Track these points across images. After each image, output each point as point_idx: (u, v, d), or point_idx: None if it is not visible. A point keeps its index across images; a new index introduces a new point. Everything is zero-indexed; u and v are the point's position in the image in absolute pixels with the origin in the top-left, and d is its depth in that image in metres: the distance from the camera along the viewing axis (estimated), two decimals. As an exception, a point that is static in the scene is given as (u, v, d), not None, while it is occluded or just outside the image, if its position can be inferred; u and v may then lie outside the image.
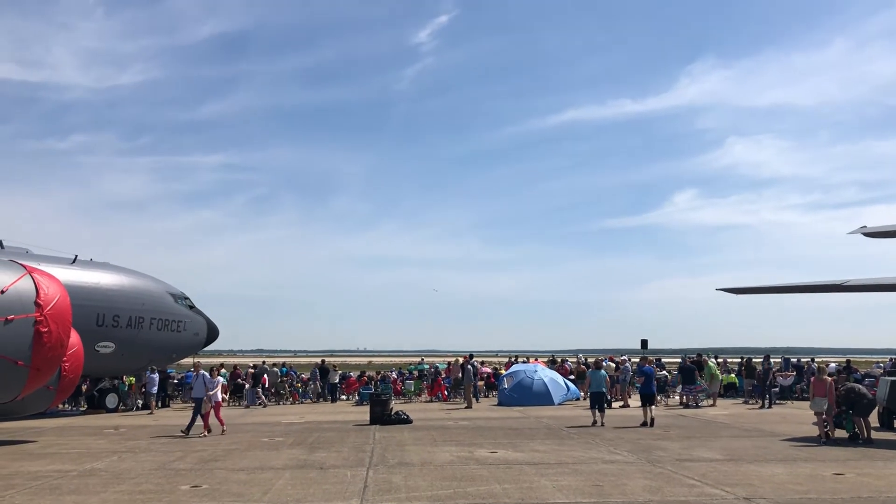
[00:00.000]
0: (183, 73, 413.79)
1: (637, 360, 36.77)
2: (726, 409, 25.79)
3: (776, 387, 29.71)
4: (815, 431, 16.95)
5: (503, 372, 32.62)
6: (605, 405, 21.26)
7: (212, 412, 19.26)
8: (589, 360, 39.89)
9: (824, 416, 16.65)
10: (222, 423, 19.43)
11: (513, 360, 39.64)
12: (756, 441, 16.71)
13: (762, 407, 26.14)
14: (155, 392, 27.59)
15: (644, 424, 19.87)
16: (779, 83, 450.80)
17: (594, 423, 20.18)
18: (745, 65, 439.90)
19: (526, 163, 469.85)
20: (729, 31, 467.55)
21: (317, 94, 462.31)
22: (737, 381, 32.62)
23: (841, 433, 16.73)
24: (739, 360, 33.95)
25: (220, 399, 19.93)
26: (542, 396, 27.29)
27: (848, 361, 37.41)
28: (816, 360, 40.40)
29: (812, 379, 18.28)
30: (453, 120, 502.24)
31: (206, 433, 18.81)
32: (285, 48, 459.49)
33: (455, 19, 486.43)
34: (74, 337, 18.04)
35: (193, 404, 19.82)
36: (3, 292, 15.20)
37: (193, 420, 19.13)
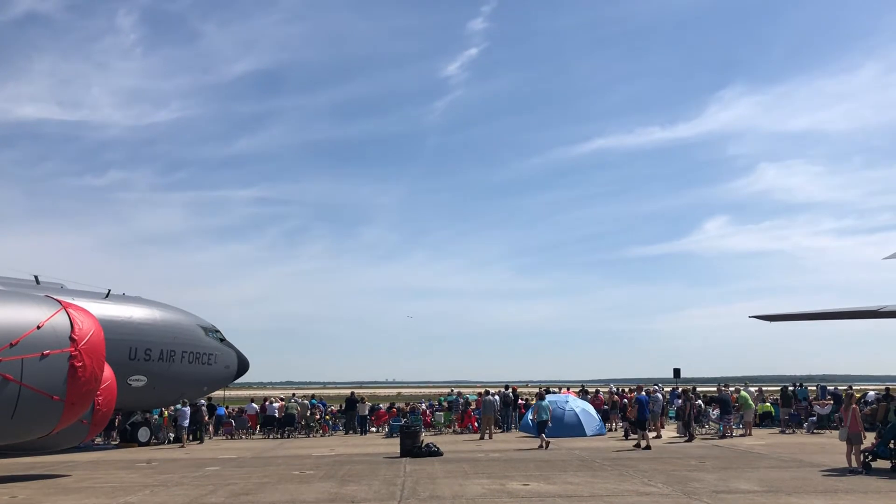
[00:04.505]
0: (218, 110, 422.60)
1: (668, 389, 36.34)
2: (762, 438, 25.29)
3: (813, 415, 29.12)
4: (855, 462, 16.49)
5: (533, 403, 32.34)
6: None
7: None
8: (623, 389, 39.40)
9: (861, 446, 16.27)
10: None
11: (544, 390, 39.24)
12: (794, 472, 16.34)
13: (689, 439, 24.68)
14: (186, 425, 27.74)
15: (637, 447, 22.01)
16: (810, 108, 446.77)
17: (540, 446, 22.44)
18: (776, 90, 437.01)
19: (555, 192, 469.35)
20: (758, 58, 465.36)
21: (348, 128, 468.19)
22: (773, 410, 32.05)
23: (883, 464, 16.31)
24: (782, 388, 33.37)
25: None
26: (573, 428, 26.96)
27: (887, 389, 36.54)
28: (854, 387, 39.52)
29: (841, 407, 17.94)
30: (483, 151, 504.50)
31: None
32: (317, 84, 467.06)
33: (484, 52, 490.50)
34: (108, 371, 18.23)
35: None
36: (39, 327, 15.42)
37: None
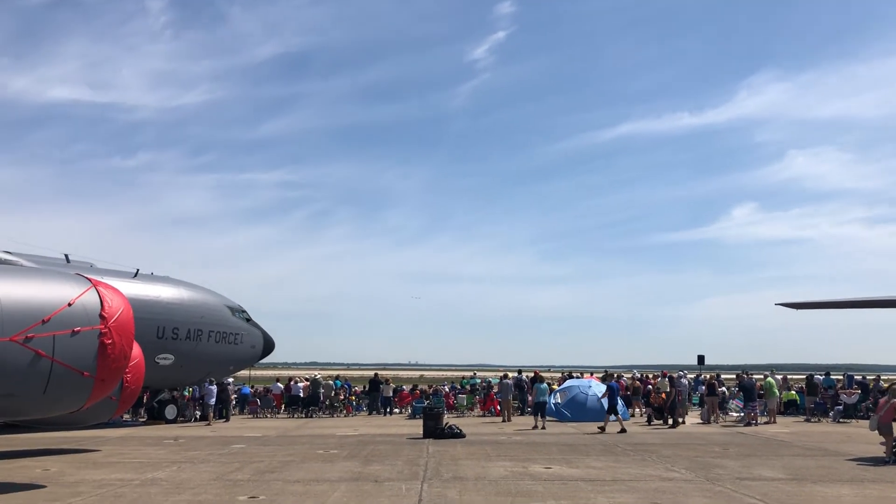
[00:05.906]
0: (245, 93, 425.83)
1: (692, 375, 36.12)
2: (787, 426, 25.12)
3: (839, 404, 28.84)
4: (881, 451, 16.32)
5: (556, 387, 32.31)
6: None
7: None
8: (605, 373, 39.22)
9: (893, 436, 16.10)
10: None
11: (566, 375, 39.24)
12: (820, 460, 16.22)
13: (672, 425, 25.25)
14: (213, 403, 28.10)
15: (601, 430, 22.93)
16: (840, 95, 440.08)
17: (535, 427, 23.76)
18: (806, 77, 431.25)
19: (581, 177, 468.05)
20: (788, 44, 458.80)
21: (373, 112, 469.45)
22: (797, 398, 31.78)
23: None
24: (807, 376, 33.08)
25: None
26: (596, 412, 26.92)
27: (915, 379, 36.04)
28: (882, 377, 38.99)
29: (882, 399, 17.75)
30: (508, 135, 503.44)
31: None
32: (343, 67, 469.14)
33: (511, 35, 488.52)
34: (136, 349, 18.45)
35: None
36: (70, 305, 15.64)
37: None
